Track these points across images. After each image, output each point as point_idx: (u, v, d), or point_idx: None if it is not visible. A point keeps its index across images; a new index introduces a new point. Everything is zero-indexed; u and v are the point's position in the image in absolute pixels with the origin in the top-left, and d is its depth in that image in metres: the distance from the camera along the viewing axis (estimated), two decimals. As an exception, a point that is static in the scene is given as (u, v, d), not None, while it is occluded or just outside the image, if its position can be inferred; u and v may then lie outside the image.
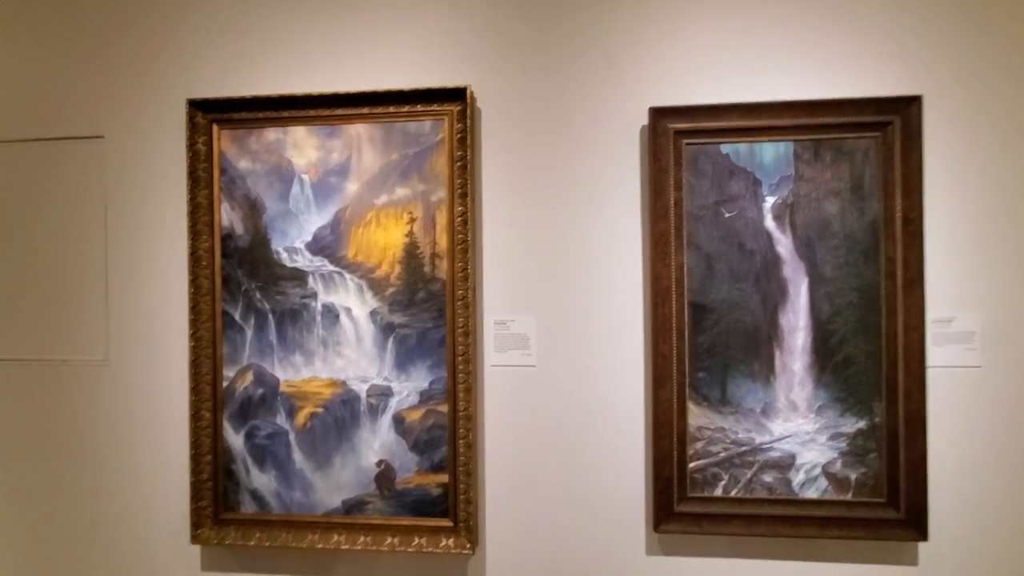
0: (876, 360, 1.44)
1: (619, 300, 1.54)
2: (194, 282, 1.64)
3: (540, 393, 1.56)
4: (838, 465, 1.46)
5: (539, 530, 1.56)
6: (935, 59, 1.47)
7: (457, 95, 1.54)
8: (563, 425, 1.56)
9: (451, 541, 1.56)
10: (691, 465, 1.50)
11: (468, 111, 1.53)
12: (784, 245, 1.47)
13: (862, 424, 1.45)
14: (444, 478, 1.57)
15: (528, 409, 1.57)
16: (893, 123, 1.43)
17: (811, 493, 1.46)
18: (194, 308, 1.64)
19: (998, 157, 1.46)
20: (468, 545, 1.53)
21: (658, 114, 1.48)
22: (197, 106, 1.64)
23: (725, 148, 1.48)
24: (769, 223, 1.48)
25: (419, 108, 1.59)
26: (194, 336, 1.64)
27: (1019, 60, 1.45)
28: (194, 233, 1.64)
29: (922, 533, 1.41)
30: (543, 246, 1.57)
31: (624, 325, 1.54)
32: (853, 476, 1.45)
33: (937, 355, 1.46)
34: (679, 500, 1.49)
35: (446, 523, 1.57)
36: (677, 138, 1.49)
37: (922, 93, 1.43)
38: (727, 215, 1.49)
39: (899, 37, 1.48)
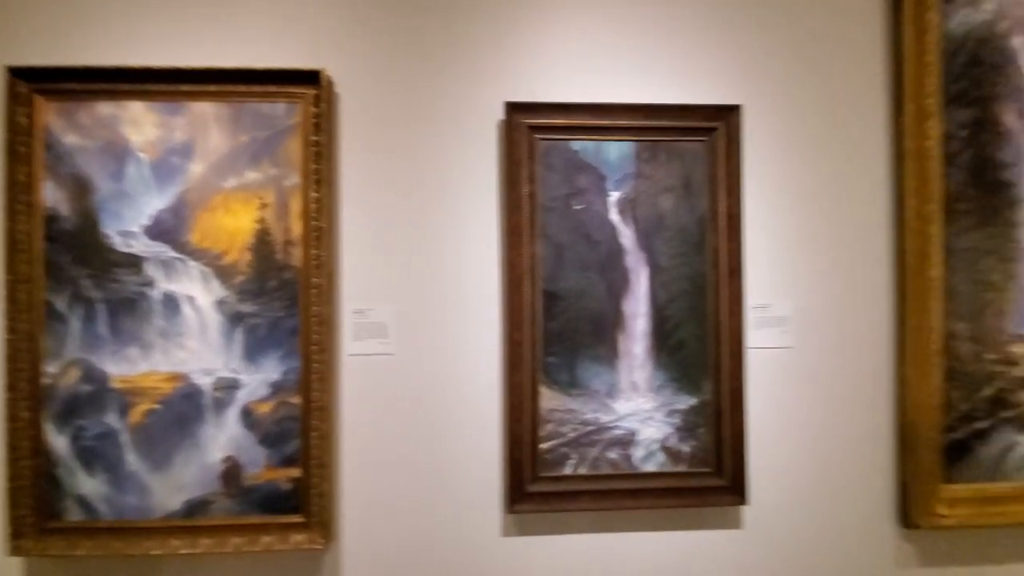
0: (704, 343, 1.59)
1: (476, 288, 1.58)
2: (10, 268, 1.48)
3: (398, 381, 1.56)
4: (674, 440, 1.59)
5: (397, 519, 1.56)
6: (754, 72, 1.65)
7: (312, 78, 1.51)
8: (421, 412, 1.57)
9: (302, 537, 1.51)
10: (543, 446, 1.56)
11: (324, 95, 1.51)
12: (627, 237, 1.58)
13: (694, 401, 1.59)
14: (296, 472, 1.52)
15: (386, 398, 1.56)
16: (718, 129, 1.59)
17: (650, 467, 1.58)
18: (10, 297, 1.47)
19: (809, 161, 1.66)
20: (321, 540, 1.50)
21: (513, 109, 1.54)
22: (18, 74, 1.48)
23: (575, 145, 1.57)
24: (614, 216, 1.58)
25: (273, 89, 1.54)
26: (11, 328, 1.47)
27: (826, 76, 1.67)
28: (11, 214, 1.47)
29: (743, 497, 1.58)
30: (402, 235, 1.58)
31: (480, 313, 1.58)
32: (686, 449, 1.59)
33: (756, 337, 1.63)
34: (531, 480, 1.55)
35: (297, 519, 1.52)
36: (531, 133, 1.55)
37: (742, 103, 1.60)
38: (576, 208, 1.57)
39: (725, 51, 1.64)
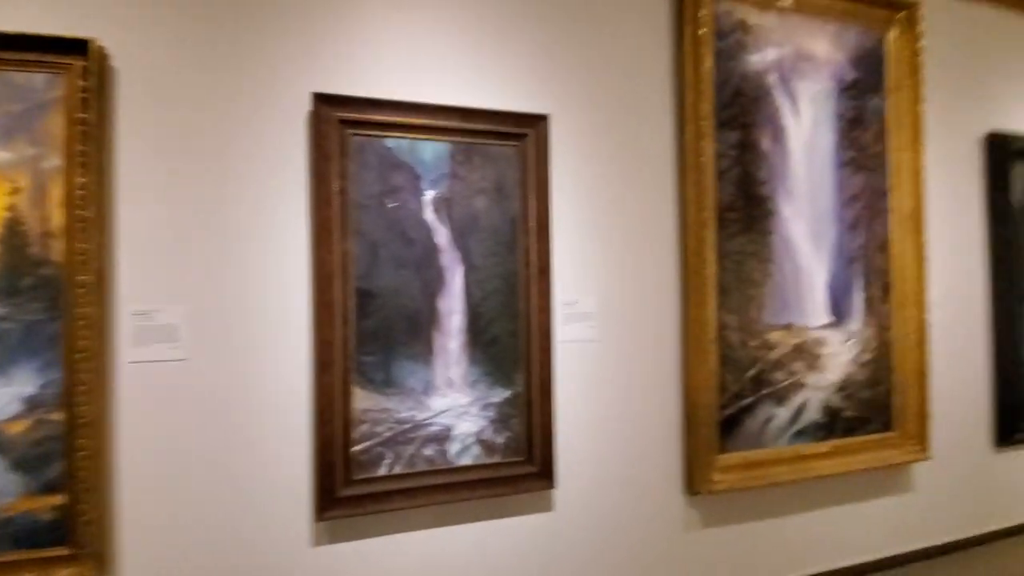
0: (516, 338, 1.68)
1: (283, 287, 1.50)
2: None
3: (191, 389, 1.43)
4: (488, 432, 1.65)
5: (189, 543, 1.42)
6: (564, 86, 1.78)
7: (79, 47, 1.33)
8: (219, 422, 1.44)
9: (70, 571, 1.31)
10: (356, 448, 1.53)
11: (95, 68, 1.33)
12: (442, 236, 1.62)
13: (507, 394, 1.67)
14: (60, 498, 1.32)
15: (176, 408, 1.42)
16: (529, 135, 1.69)
17: (466, 460, 1.63)
18: None
19: (610, 170, 1.83)
20: (93, 574, 1.31)
21: (322, 101, 1.49)
22: None
23: (389, 142, 1.57)
24: (429, 215, 1.60)
25: (30, 57, 1.32)
26: None
27: (625, 95, 1.85)
28: None
29: (551, 481, 1.69)
30: (197, 229, 1.44)
31: (288, 312, 1.50)
32: (500, 440, 1.66)
33: (565, 332, 1.76)
34: (343, 484, 1.50)
35: (62, 552, 1.31)
36: (343, 127, 1.52)
37: (552, 112, 1.73)
38: (391, 205, 1.57)
39: (539, 63, 1.75)
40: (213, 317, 1.45)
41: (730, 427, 1.93)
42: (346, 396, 1.52)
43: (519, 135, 1.68)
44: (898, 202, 2.16)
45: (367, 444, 1.54)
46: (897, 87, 2.17)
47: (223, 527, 1.44)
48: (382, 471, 1.55)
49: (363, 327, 1.54)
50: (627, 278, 1.85)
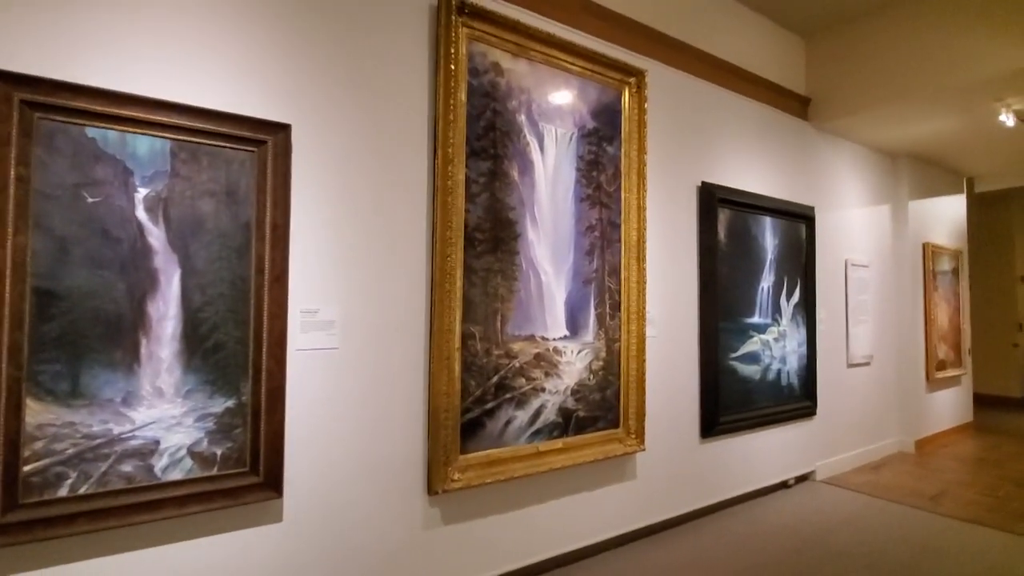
0: (245, 345, 1.64)
1: (-69, 283, 1.29)
2: None
3: None
4: (205, 444, 1.58)
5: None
6: (317, 98, 1.81)
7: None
8: None
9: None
10: (27, 468, 1.36)
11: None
12: (157, 236, 1.53)
13: (230, 403, 1.62)
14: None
15: None
16: (268, 142, 1.68)
17: (176, 475, 1.53)
18: None
19: (361, 185, 1.90)
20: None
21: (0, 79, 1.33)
22: None
23: (92, 131, 1.44)
24: (141, 213, 1.50)
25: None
26: None
27: (381, 114, 1.94)
28: None
29: (278, 490, 1.66)
30: None
31: (-65, 313, 1.29)
32: (219, 451, 1.60)
33: (304, 339, 1.77)
34: (5, 510, 1.32)
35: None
36: (25, 109, 1.36)
37: (301, 122, 1.74)
38: (90, 200, 1.44)
39: (289, 72, 1.76)
40: None
41: (472, 429, 2.09)
42: (14, 411, 1.34)
43: (258, 141, 1.66)
44: (626, 235, 2.58)
45: (43, 463, 1.37)
46: (628, 139, 2.60)
47: None
48: (63, 492, 1.39)
49: (42, 331, 1.38)
50: (375, 289, 1.92)
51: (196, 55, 1.61)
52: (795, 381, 3.50)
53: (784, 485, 3.49)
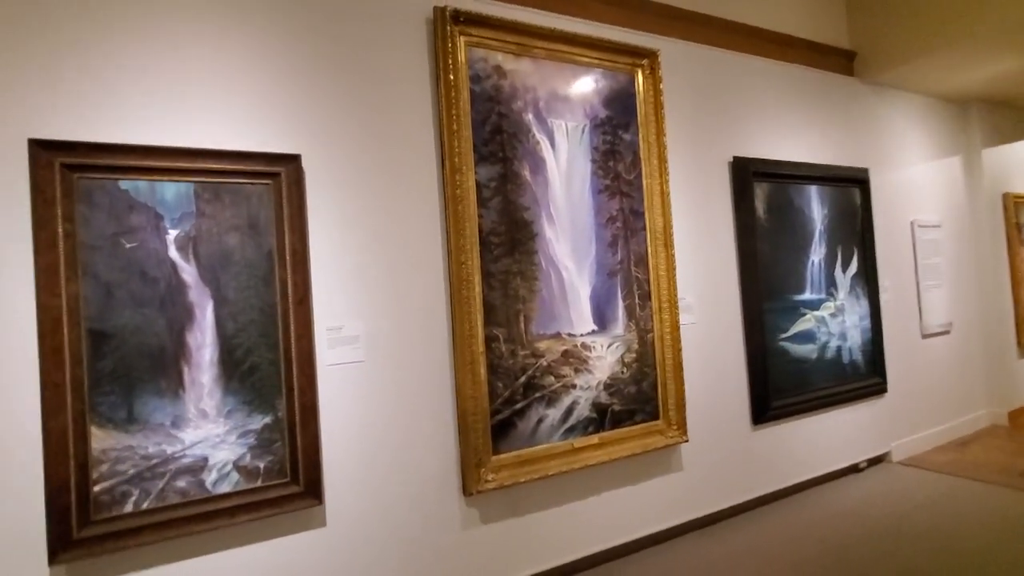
0: (277, 365, 1.76)
1: (6, 333, 1.48)
2: None
3: None
4: (248, 458, 1.71)
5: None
6: (322, 124, 1.90)
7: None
8: (-73, 477, 1.40)
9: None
10: (96, 488, 1.54)
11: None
12: (189, 273, 1.67)
13: (268, 419, 1.74)
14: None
15: None
16: (280, 174, 1.79)
17: (224, 488, 1.68)
18: None
19: (374, 203, 1.97)
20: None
21: (41, 147, 1.50)
22: None
23: (124, 184, 1.60)
24: (173, 253, 1.65)
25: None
26: None
27: (388, 133, 2.00)
28: None
29: (318, 498, 1.78)
30: None
31: (12, 359, 1.48)
32: (262, 464, 1.73)
33: (331, 355, 1.87)
34: (80, 526, 1.50)
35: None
36: (66, 172, 1.53)
37: (304, 152, 1.84)
38: (128, 246, 1.60)
39: (294, 103, 1.86)
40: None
41: (503, 430, 2.13)
42: (81, 437, 1.52)
43: (271, 174, 1.77)
44: (651, 222, 2.51)
45: (109, 483, 1.55)
46: (646, 123, 2.52)
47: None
48: (128, 508, 1.57)
49: (99, 368, 1.55)
50: (396, 301, 1.99)
51: (209, 102, 1.74)
52: (859, 357, 3.27)
53: (855, 469, 3.28)
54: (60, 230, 1.52)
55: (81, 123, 1.58)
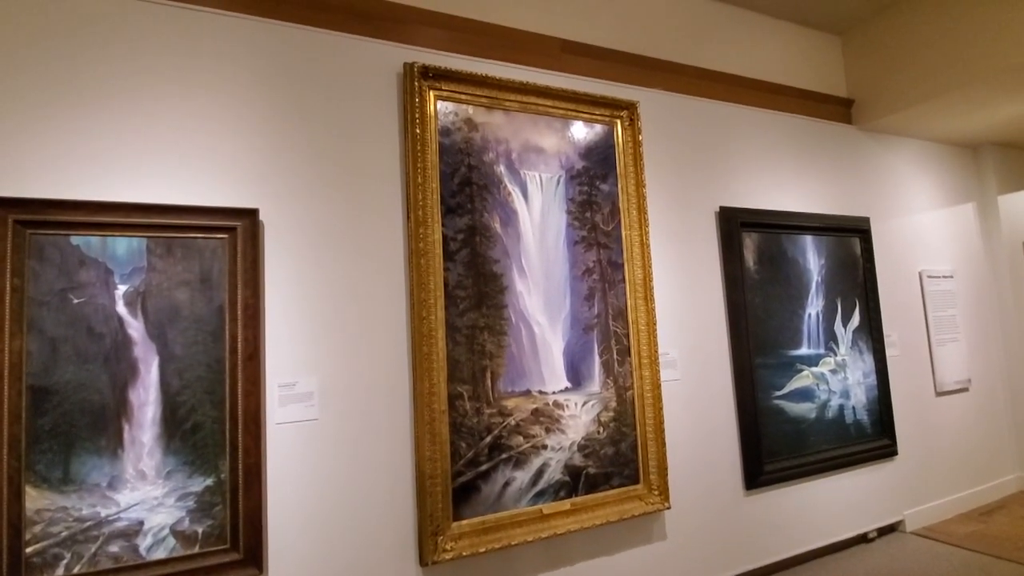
0: (222, 424, 1.71)
1: (-56, 389, 1.48)
2: None
3: None
4: (186, 522, 1.65)
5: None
6: (284, 179, 1.91)
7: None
8: None
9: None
10: (28, 550, 1.49)
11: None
12: (136, 328, 1.65)
13: (209, 481, 1.68)
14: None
15: None
16: (237, 228, 1.78)
17: (160, 553, 1.61)
18: None
19: (336, 258, 1.95)
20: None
21: (-4, 203, 1.53)
22: None
23: (75, 239, 1.61)
24: (121, 308, 1.64)
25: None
26: None
27: (352, 187, 2.00)
28: None
29: (259, 567, 1.69)
30: None
31: (-53, 415, 1.47)
32: (200, 529, 1.66)
33: (282, 413, 1.82)
34: (4, 592, 1.46)
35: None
36: (19, 227, 1.55)
37: (260, 206, 1.84)
38: (76, 301, 1.60)
39: (255, 158, 1.87)
40: None
41: (466, 493, 2.02)
42: (15, 497, 1.48)
43: (227, 228, 1.77)
44: (631, 275, 2.43)
45: (41, 545, 1.50)
46: (625, 174, 2.47)
47: None
48: (59, 572, 1.51)
49: (39, 425, 1.53)
50: (355, 357, 1.94)
51: (166, 156, 1.76)
52: (864, 417, 3.06)
53: (864, 539, 3.03)
54: (8, 285, 1.52)
55: (35, 179, 1.61)
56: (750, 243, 2.82)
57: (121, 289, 1.65)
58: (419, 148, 2.05)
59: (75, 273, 1.61)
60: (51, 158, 1.63)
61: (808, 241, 3.02)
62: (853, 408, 3.03)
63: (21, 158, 1.60)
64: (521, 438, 2.15)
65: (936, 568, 2.71)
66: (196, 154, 1.80)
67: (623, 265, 2.44)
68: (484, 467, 2.07)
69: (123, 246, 1.66)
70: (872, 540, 3.05)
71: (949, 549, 2.92)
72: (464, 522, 2.00)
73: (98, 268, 1.63)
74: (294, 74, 1.97)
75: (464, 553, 1.96)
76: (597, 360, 2.34)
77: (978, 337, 3.74)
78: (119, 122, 1.72)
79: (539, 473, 2.17)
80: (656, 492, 2.36)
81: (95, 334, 1.61)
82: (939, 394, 3.44)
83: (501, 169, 2.24)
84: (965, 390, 3.57)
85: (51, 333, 1.57)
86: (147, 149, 1.74)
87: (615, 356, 2.37)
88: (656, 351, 2.41)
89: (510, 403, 2.15)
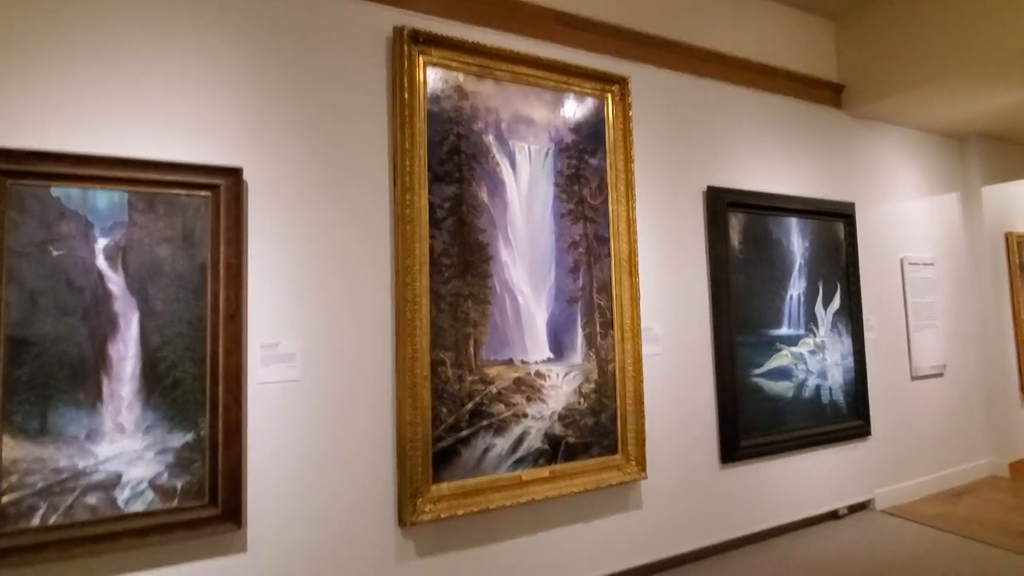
0: (202, 381, 1.72)
1: (-80, 336, 1.47)
2: None
3: None
4: (165, 477, 1.66)
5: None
6: (270, 139, 1.89)
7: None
8: None
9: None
10: (3, 500, 1.49)
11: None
12: (116, 283, 1.65)
13: (189, 437, 1.69)
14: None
15: None
16: (221, 186, 1.77)
17: (137, 506, 1.62)
18: None
19: (321, 220, 1.94)
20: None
21: (-26, 151, 1.50)
22: None
23: (56, 191, 1.59)
24: (101, 263, 1.63)
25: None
26: None
27: (338, 149, 1.99)
28: None
29: (238, 522, 1.71)
30: None
31: (-77, 363, 1.46)
32: (179, 484, 1.67)
33: (264, 373, 1.82)
34: (-19, 539, 1.46)
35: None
36: (1, 177, 1.53)
37: (244, 165, 1.82)
38: (56, 253, 1.59)
39: (241, 116, 1.85)
40: None
41: (446, 458, 2.05)
42: (-9, 447, 1.49)
43: (210, 186, 1.76)
44: (616, 249, 2.44)
45: (16, 495, 1.51)
46: (614, 149, 2.48)
47: None
48: (35, 523, 1.52)
49: (17, 376, 1.52)
50: (339, 320, 1.95)
51: (150, 110, 1.74)
52: (840, 398, 3.13)
53: (835, 515, 3.12)
54: (-14, 235, 1.51)
55: (17, 130, 1.59)
56: (736, 223, 2.85)
57: (101, 243, 1.63)
58: (407, 114, 2.04)
59: (55, 225, 1.59)
60: (34, 109, 1.60)
61: (793, 223, 3.05)
62: (830, 389, 3.10)
63: (2, 108, 1.57)
64: (502, 406, 2.18)
65: (904, 547, 2.79)
66: (181, 111, 1.78)
67: (609, 239, 2.46)
68: (465, 433, 2.10)
69: (104, 200, 1.64)
70: (843, 517, 3.13)
71: (917, 527, 3.02)
72: (444, 485, 2.03)
73: (78, 221, 1.62)
74: (283, 33, 1.95)
75: (443, 515, 1.99)
76: (580, 332, 2.36)
77: (955, 324, 3.82)
78: (104, 76, 1.69)
79: (519, 441, 2.20)
80: (634, 462, 2.41)
81: (75, 287, 1.60)
82: (915, 378, 3.52)
83: (490, 139, 2.23)
84: (940, 375, 3.66)
85: (30, 285, 1.55)
86: (131, 104, 1.71)
87: (598, 329, 2.40)
88: (639, 325, 2.44)
89: (492, 371, 2.17)
